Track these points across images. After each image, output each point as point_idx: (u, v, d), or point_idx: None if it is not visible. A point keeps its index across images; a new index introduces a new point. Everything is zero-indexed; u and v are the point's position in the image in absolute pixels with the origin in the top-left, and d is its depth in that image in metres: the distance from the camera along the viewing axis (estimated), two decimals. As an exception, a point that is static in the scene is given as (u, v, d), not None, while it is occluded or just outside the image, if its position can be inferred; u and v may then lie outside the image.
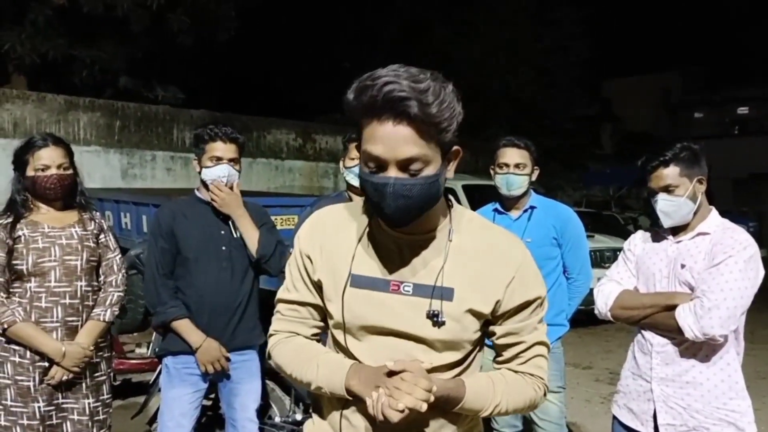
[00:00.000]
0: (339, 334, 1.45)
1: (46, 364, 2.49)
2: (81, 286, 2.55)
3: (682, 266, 2.19)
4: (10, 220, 2.50)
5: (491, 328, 1.45)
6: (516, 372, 1.47)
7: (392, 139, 1.26)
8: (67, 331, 2.52)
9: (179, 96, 10.22)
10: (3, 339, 2.49)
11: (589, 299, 2.93)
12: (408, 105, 1.22)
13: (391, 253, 1.41)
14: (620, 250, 2.51)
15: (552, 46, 15.92)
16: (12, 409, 2.47)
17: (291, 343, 1.51)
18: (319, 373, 1.43)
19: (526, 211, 3.04)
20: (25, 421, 2.47)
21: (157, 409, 3.01)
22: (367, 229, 1.43)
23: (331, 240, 1.46)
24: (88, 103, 8.27)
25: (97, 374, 2.64)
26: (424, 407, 1.27)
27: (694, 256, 2.17)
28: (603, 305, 2.35)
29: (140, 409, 3.53)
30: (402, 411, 1.25)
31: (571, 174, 16.21)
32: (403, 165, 1.27)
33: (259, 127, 10.55)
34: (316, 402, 1.56)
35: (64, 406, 2.55)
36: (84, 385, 2.58)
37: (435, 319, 1.37)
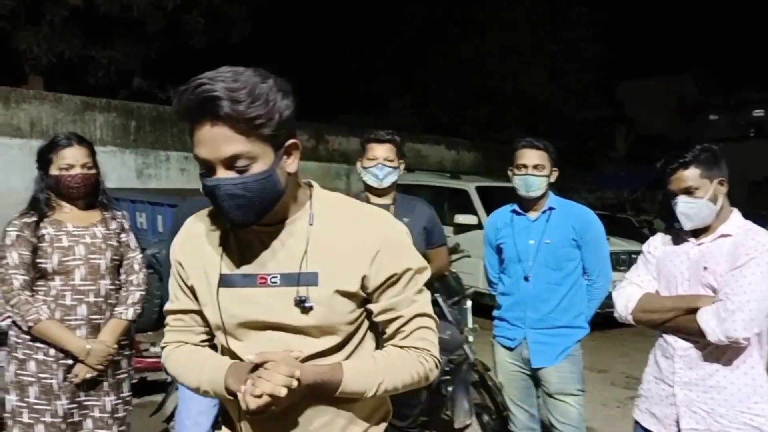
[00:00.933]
0: (220, 336, 1.47)
1: (70, 362, 2.51)
2: (105, 285, 2.58)
3: (705, 269, 2.16)
4: (34, 218, 2.53)
5: (368, 306, 1.45)
6: (402, 348, 1.46)
7: (211, 140, 1.28)
8: (91, 329, 2.54)
9: (192, 97, 10.27)
10: (27, 337, 2.51)
11: (606, 302, 2.92)
12: (218, 105, 1.25)
13: (254, 247, 1.42)
14: (636, 253, 2.49)
15: (565, 48, 15.85)
16: (35, 406, 2.49)
17: (179, 353, 1.53)
18: (203, 377, 1.44)
19: (544, 212, 3.03)
20: (48, 419, 2.49)
21: (175, 407, 3.02)
22: (230, 229, 1.44)
23: (199, 245, 1.47)
24: (104, 103, 8.33)
25: (118, 372, 2.66)
26: (283, 392, 1.27)
27: (717, 258, 2.14)
28: (623, 308, 2.32)
29: (158, 408, 3.55)
30: (259, 396, 1.26)
31: (584, 176, 16.13)
32: (228, 164, 1.29)
33: (272, 128, 10.57)
34: (224, 411, 1.56)
35: (86, 403, 2.58)
36: (106, 383, 2.60)
37: (302, 305, 1.37)
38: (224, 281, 1.41)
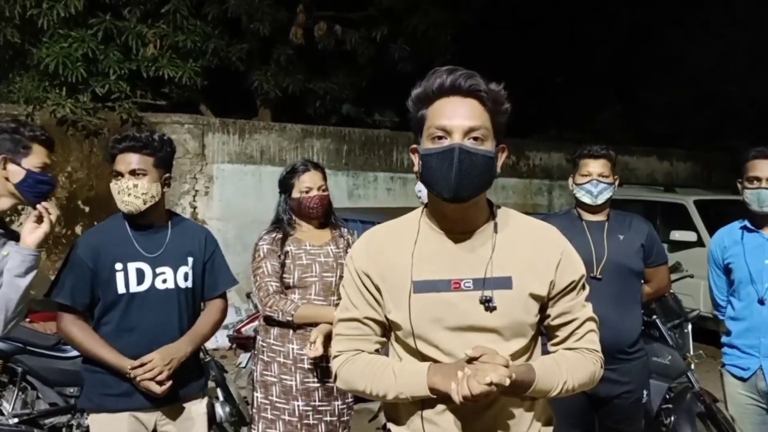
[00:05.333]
0: (410, 341, 1.52)
1: (306, 366, 2.81)
2: (333, 301, 2.84)
3: None
4: (280, 235, 2.89)
5: (546, 311, 1.55)
6: (574, 350, 1.56)
7: (460, 109, 1.45)
8: (325, 341, 2.79)
9: (395, 119, 10.82)
10: (271, 341, 2.86)
11: None
12: (474, 82, 1.46)
13: (446, 254, 1.51)
14: None
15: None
16: (277, 404, 2.82)
17: (359, 361, 1.56)
18: (398, 381, 1.49)
19: (783, 229, 2.75)
20: (287, 417, 2.80)
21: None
22: (420, 237, 1.53)
23: (385, 255, 1.55)
24: (321, 130, 9.10)
25: None
26: (507, 382, 1.34)
27: None
28: None
29: (375, 415, 3.79)
30: (489, 384, 1.32)
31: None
32: (467, 133, 1.44)
33: (473, 146, 10.69)
34: (390, 411, 1.61)
35: (320, 408, 2.85)
36: (335, 387, 2.85)
37: (487, 304, 1.46)
38: (417, 287, 1.50)
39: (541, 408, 1.58)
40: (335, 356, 1.62)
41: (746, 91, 12.44)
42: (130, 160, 2.39)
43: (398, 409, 1.58)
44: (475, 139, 1.45)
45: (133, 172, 2.38)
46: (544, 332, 1.62)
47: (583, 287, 1.58)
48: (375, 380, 1.52)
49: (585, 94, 12.50)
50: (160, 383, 2.32)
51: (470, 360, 1.40)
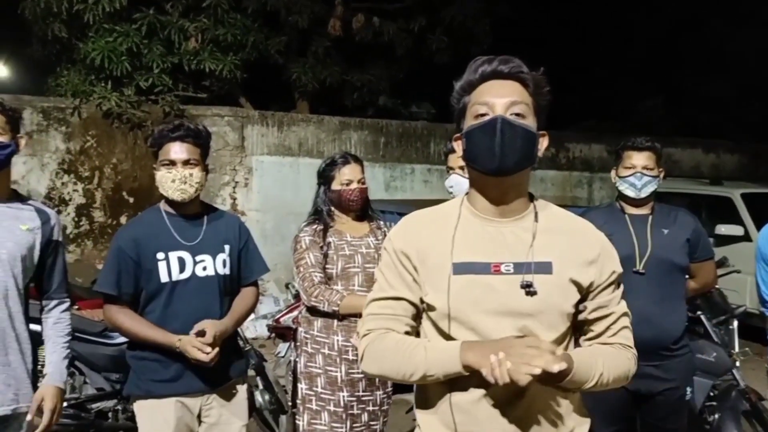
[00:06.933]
0: (443, 324, 1.50)
1: (351, 357, 2.83)
2: None
3: None
4: (321, 227, 2.91)
5: (582, 304, 1.53)
6: (609, 345, 1.55)
7: (501, 89, 1.50)
8: None
9: (432, 111, 10.78)
10: (315, 333, 2.89)
11: None
12: (514, 64, 1.52)
13: (486, 238, 1.51)
14: None
15: None
16: (322, 395, 2.85)
17: (387, 338, 1.53)
18: (428, 357, 1.46)
19: (837, 224, 2.65)
20: (332, 408, 2.83)
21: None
22: (460, 222, 1.54)
23: (425, 236, 1.55)
24: (358, 122, 9.13)
25: None
26: (556, 368, 1.32)
27: None
28: None
29: (413, 406, 3.80)
30: (535, 374, 1.31)
31: None
32: (509, 107, 1.48)
33: (511, 138, 10.55)
34: (418, 396, 1.60)
35: (364, 398, 2.88)
36: (376, 378, 2.88)
37: (528, 288, 1.45)
38: (457, 269, 1.50)
39: (576, 402, 1.56)
40: (364, 335, 1.58)
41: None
42: (184, 149, 2.46)
43: (427, 392, 1.57)
44: (517, 114, 1.49)
45: (186, 162, 2.45)
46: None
47: (619, 285, 1.58)
48: (404, 358, 1.49)
49: (625, 85, 12.26)
50: (206, 353, 2.32)
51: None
